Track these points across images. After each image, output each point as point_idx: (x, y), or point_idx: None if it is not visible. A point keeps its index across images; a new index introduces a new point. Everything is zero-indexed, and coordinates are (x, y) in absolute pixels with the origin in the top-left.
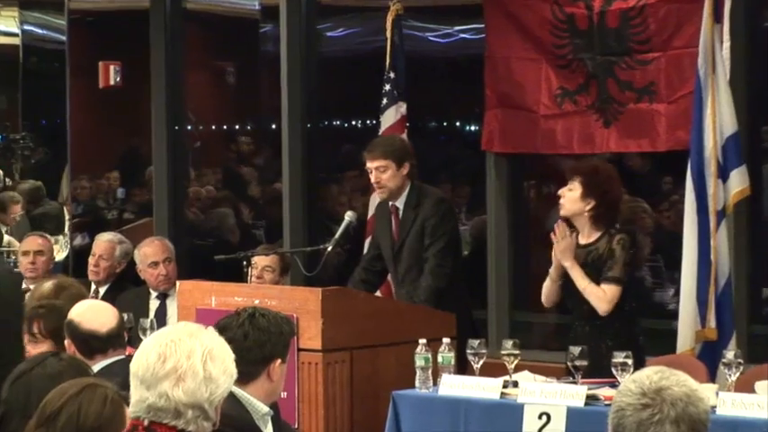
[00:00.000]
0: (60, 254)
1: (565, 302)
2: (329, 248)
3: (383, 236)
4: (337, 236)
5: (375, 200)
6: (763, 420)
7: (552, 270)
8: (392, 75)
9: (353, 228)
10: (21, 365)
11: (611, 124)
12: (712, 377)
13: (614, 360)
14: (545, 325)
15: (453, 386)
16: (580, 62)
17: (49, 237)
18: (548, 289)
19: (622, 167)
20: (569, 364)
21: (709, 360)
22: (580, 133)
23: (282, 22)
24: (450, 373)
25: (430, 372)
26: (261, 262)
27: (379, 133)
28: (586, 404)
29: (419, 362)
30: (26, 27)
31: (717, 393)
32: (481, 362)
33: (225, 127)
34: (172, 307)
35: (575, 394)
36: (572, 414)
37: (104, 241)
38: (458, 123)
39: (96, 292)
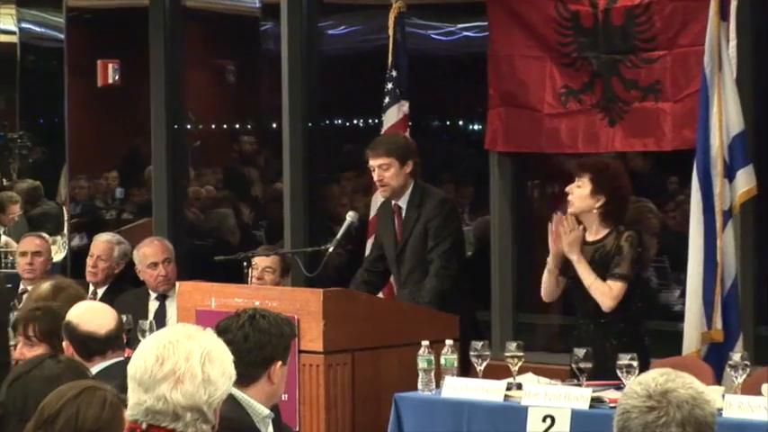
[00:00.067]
0: (58, 254)
1: (565, 298)
2: (330, 249)
3: (386, 236)
4: (339, 236)
5: (377, 200)
6: None
7: (550, 260)
8: (394, 73)
9: (355, 228)
10: (18, 367)
11: (617, 123)
12: (718, 379)
13: (619, 362)
14: (549, 326)
15: (456, 388)
16: (585, 60)
17: (46, 237)
18: (546, 281)
19: (627, 167)
20: (573, 366)
21: (715, 362)
22: (585, 132)
23: (283, 19)
24: (453, 376)
25: (433, 374)
26: (261, 263)
27: (381, 132)
28: (591, 406)
29: (422, 364)
30: (24, 25)
31: (723, 396)
32: (484, 364)
33: (225, 126)
34: (171, 308)
35: (579, 396)
36: (576, 416)
37: (103, 242)
38: (461, 122)
39: (95, 293)
